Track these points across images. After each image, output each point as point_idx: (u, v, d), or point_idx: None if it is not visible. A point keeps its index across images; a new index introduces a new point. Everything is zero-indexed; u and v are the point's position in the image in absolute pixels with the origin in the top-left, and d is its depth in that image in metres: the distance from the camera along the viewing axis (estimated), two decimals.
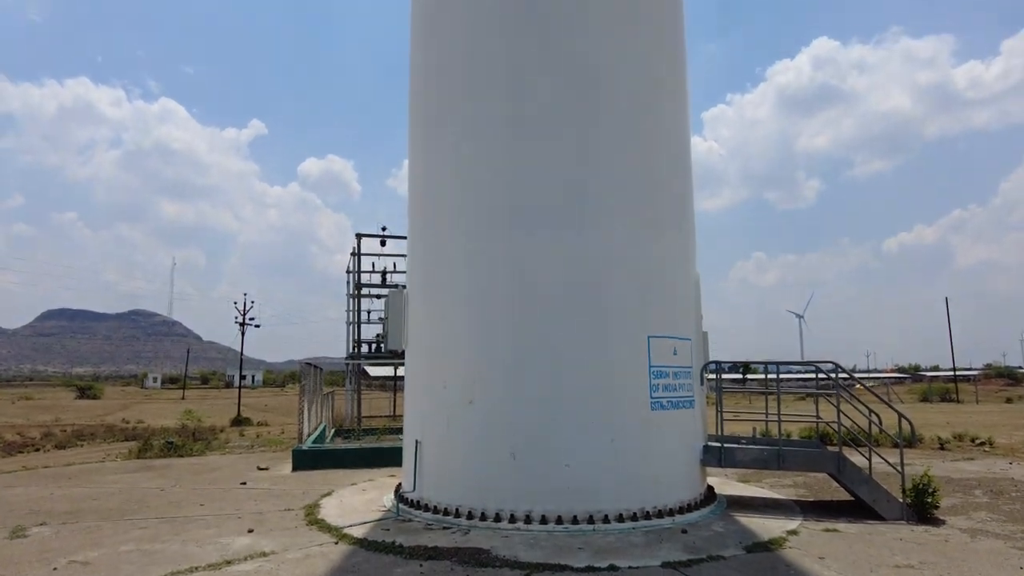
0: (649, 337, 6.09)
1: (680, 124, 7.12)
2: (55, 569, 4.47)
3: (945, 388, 43.98)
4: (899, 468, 6.28)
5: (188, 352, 77.43)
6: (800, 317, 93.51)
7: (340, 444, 12.27)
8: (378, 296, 19.24)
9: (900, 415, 6.51)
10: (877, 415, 6.50)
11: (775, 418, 6.50)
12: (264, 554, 4.80)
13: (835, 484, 6.89)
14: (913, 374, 76.16)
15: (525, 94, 6.23)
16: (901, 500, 6.09)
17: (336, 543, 5.14)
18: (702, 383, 6.96)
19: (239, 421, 26.31)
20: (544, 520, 5.53)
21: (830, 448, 6.81)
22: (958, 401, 38.49)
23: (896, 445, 7.21)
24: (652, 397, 6.02)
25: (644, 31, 6.72)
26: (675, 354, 6.36)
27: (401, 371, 13.43)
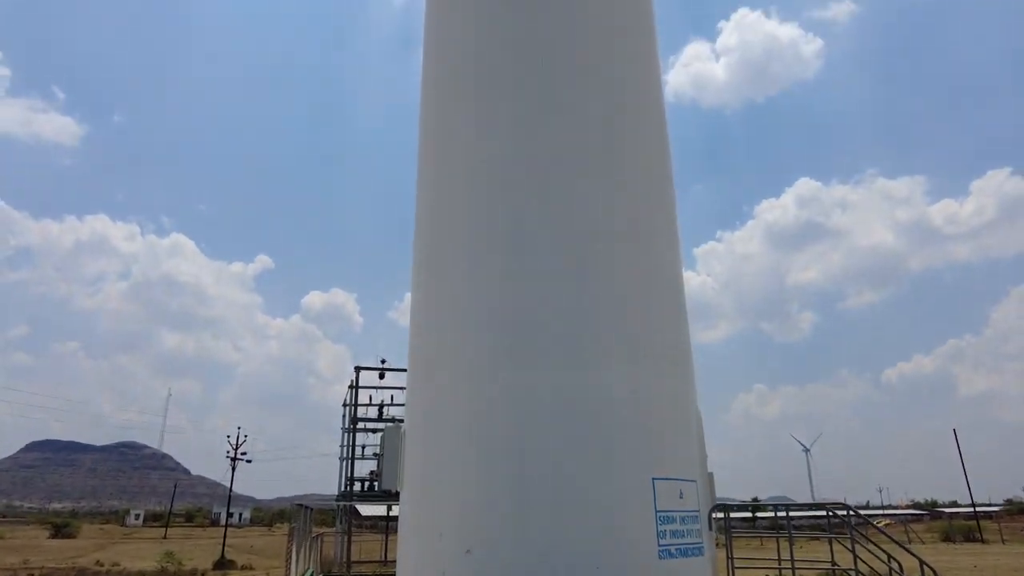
0: (654, 479, 5.91)
1: (673, 260, 7.35)
2: None
3: (967, 526, 41.94)
4: None
5: (175, 487, 74.48)
6: (807, 450, 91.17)
7: None
8: (374, 430, 18.89)
9: (921, 562, 6.17)
10: (897, 561, 6.16)
11: (788, 564, 6.15)
12: None
13: None
14: (931, 510, 72.96)
15: (524, 246, 6.46)
16: None
17: None
18: (710, 527, 6.65)
19: (222, 564, 24.79)
20: None
21: None
22: (983, 541, 36.52)
23: None
24: (660, 545, 5.72)
25: (635, 178, 7.12)
26: (681, 497, 6.13)
27: (395, 510, 12.87)
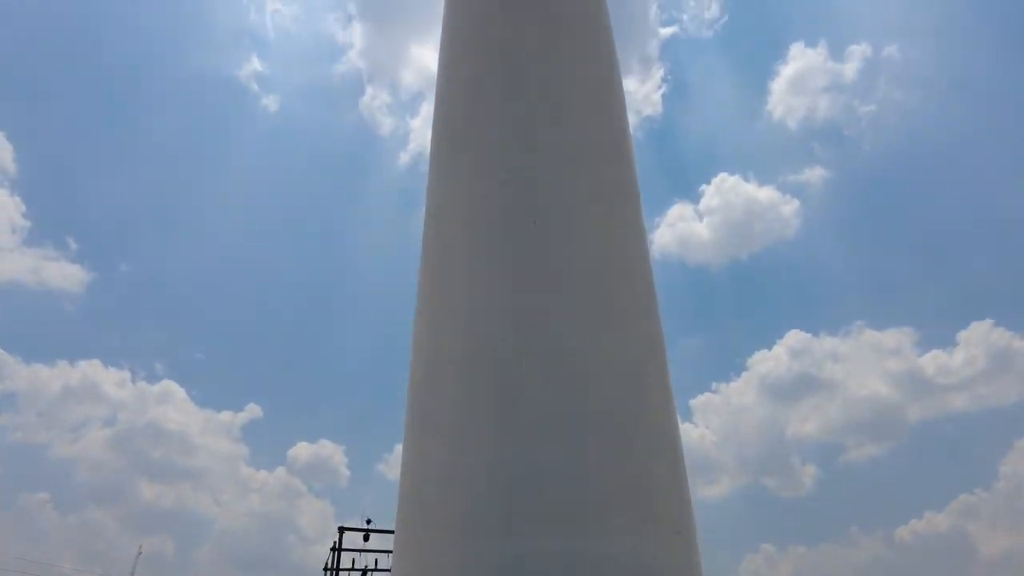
0: None
1: (670, 414, 7.23)
2: None
3: None
4: None
5: None
6: None
7: None
8: None
9: None
10: None
11: None
12: None
13: None
14: None
15: (520, 402, 6.40)
16: None
17: None
18: None
19: None
20: None
21: None
22: None
23: None
24: None
25: (626, 334, 7.19)
26: None
27: None
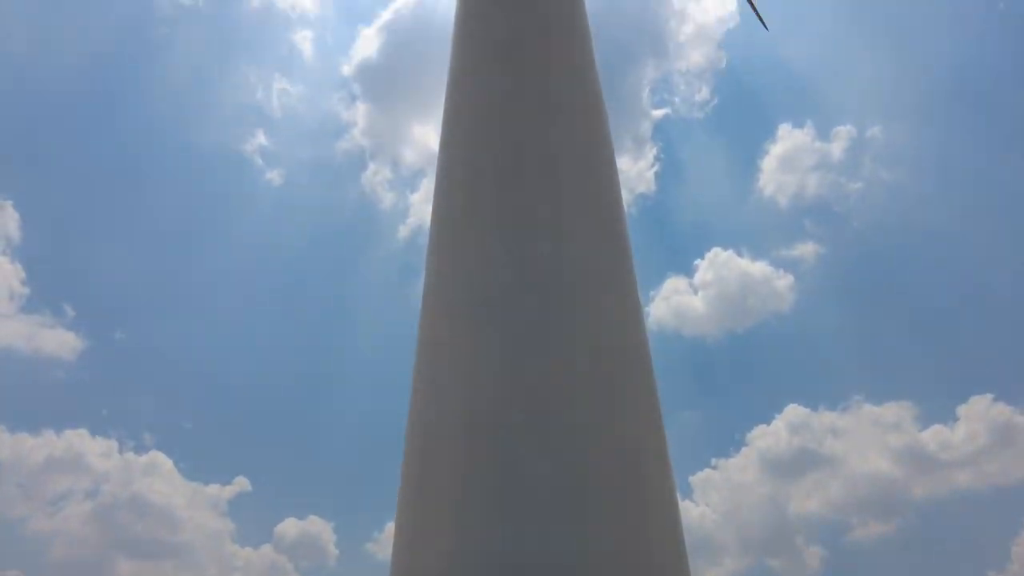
0: None
1: (669, 495, 7.12)
2: None
3: None
4: None
5: None
6: None
7: None
8: None
9: None
10: None
11: None
12: None
13: None
14: None
15: (518, 478, 6.30)
16: None
17: None
18: None
19: None
20: None
21: None
22: None
23: None
24: None
25: (624, 412, 7.15)
26: None
27: None
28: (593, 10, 10.39)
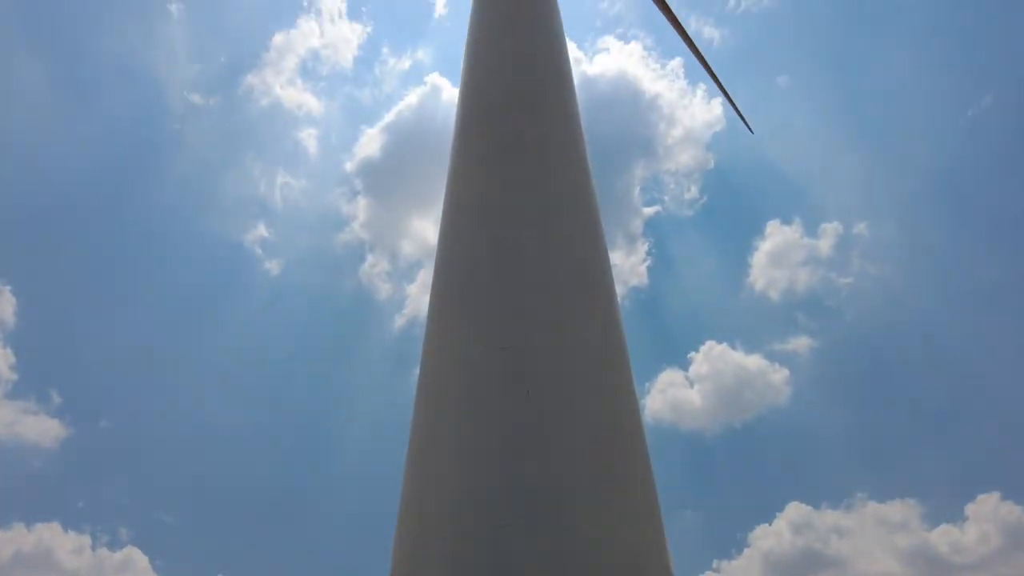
0: None
1: None
2: None
3: None
4: None
5: None
6: None
7: None
8: None
9: None
10: None
11: None
12: None
13: None
14: None
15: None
16: None
17: None
18: None
19: None
20: None
21: None
22: None
23: None
24: None
25: (624, 508, 6.96)
26: None
27: None
28: (587, 112, 10.97)
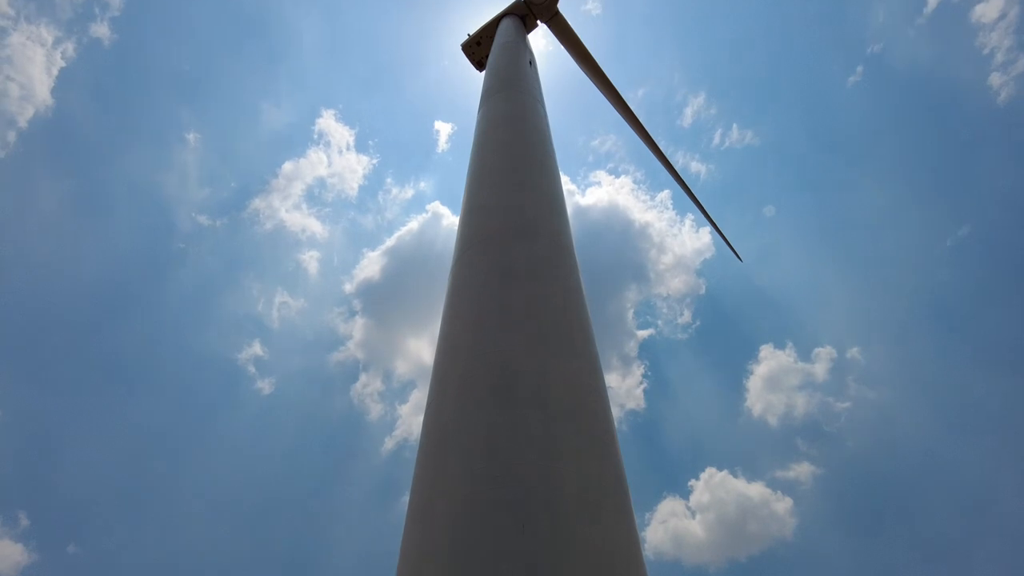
0: None
1: None
2: None
3: None
4: None
5: None
6: None
7: None
8: None
9: None
10: None
11: None
12: None
13: None
14: None
15: None
16: None
17: None
18: None
19: None
20: None
21: None
22: None
23: None
24: None
25: None
26: None
27: None
28: (580, 240, 11.36)
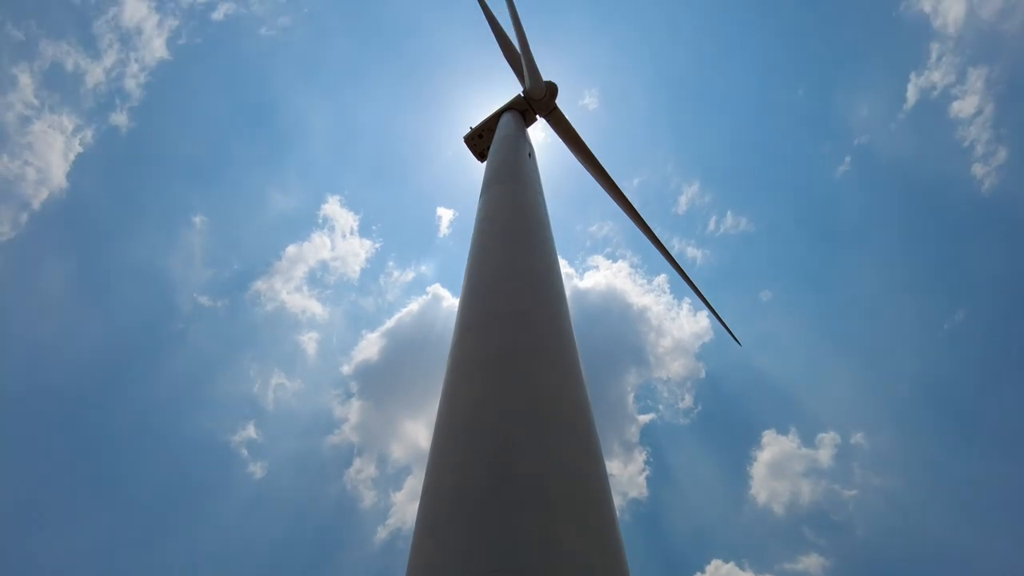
0: None
1: None
2: None
3: None
4: None
5: None
6: None
7: None
8: None
9: None
10: None
11: None
12: None
13: None
14: None
15: None
16: None
17: None
18: None
19: None
20: None
21: None
22: None
23: None
24: None
25: None
26: None
27: None
28: (579, 323, 11.39)
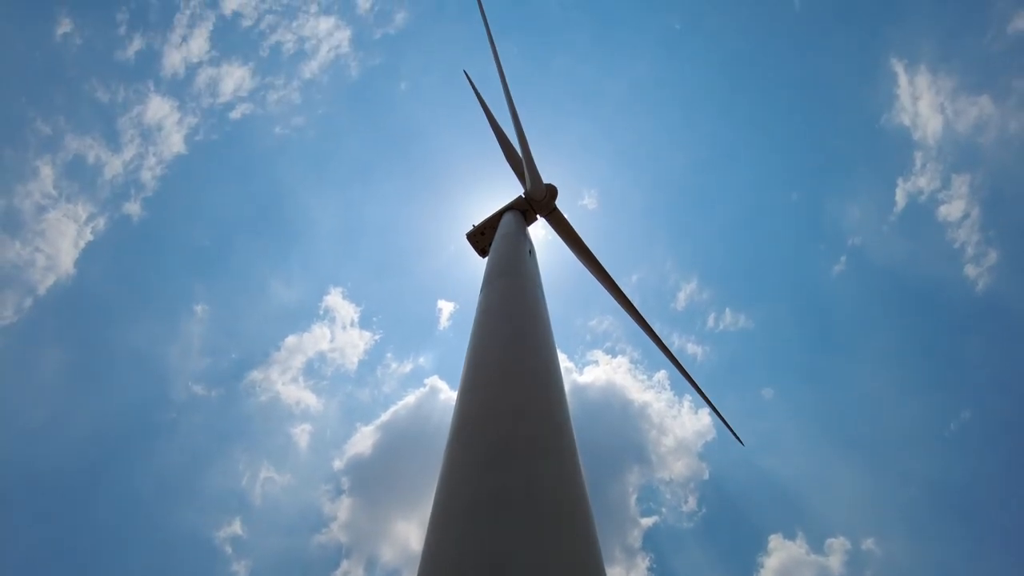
0: None
1: None
2: None
3: None
4: None
5: None
6: None
7: None
8: None
9: None
10: None
11: None
12: None
13: None
14: None
15: None
16: None
17: None
18: None
19: None
20: None
21: None
22: None
23: None
24: None
25: None
26: None
27: None
28: (578, 418, 11.28)
